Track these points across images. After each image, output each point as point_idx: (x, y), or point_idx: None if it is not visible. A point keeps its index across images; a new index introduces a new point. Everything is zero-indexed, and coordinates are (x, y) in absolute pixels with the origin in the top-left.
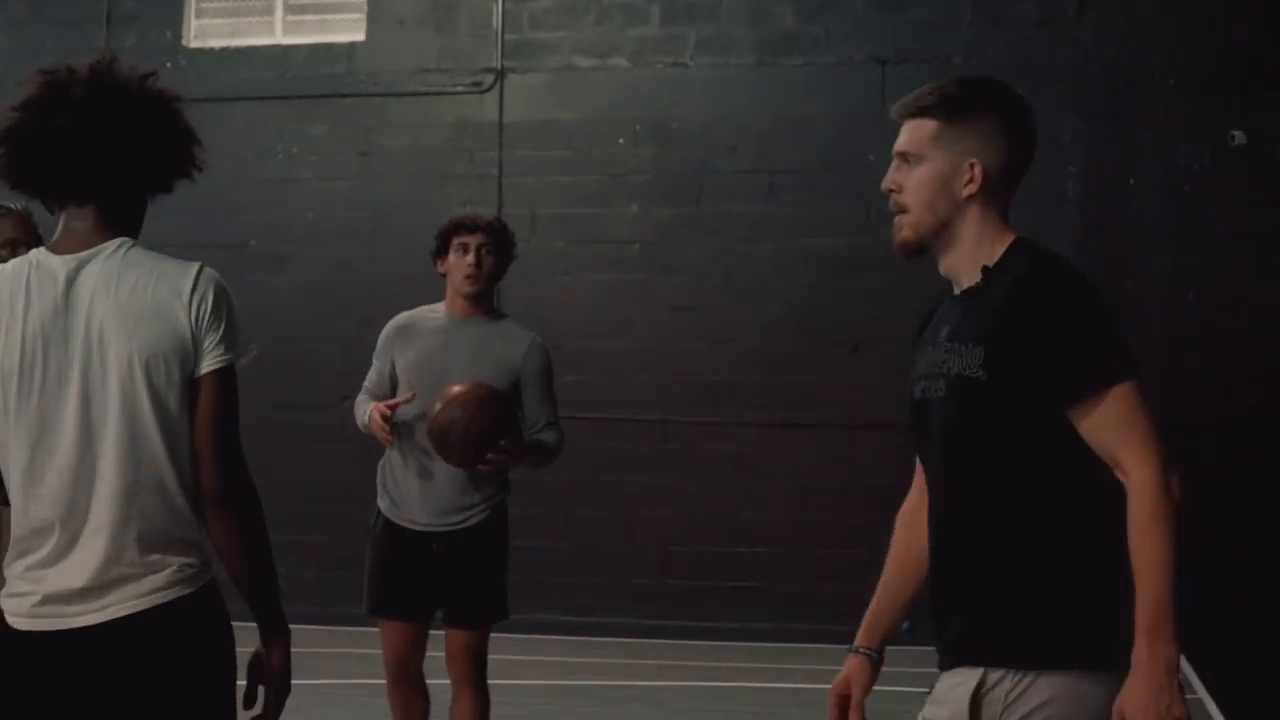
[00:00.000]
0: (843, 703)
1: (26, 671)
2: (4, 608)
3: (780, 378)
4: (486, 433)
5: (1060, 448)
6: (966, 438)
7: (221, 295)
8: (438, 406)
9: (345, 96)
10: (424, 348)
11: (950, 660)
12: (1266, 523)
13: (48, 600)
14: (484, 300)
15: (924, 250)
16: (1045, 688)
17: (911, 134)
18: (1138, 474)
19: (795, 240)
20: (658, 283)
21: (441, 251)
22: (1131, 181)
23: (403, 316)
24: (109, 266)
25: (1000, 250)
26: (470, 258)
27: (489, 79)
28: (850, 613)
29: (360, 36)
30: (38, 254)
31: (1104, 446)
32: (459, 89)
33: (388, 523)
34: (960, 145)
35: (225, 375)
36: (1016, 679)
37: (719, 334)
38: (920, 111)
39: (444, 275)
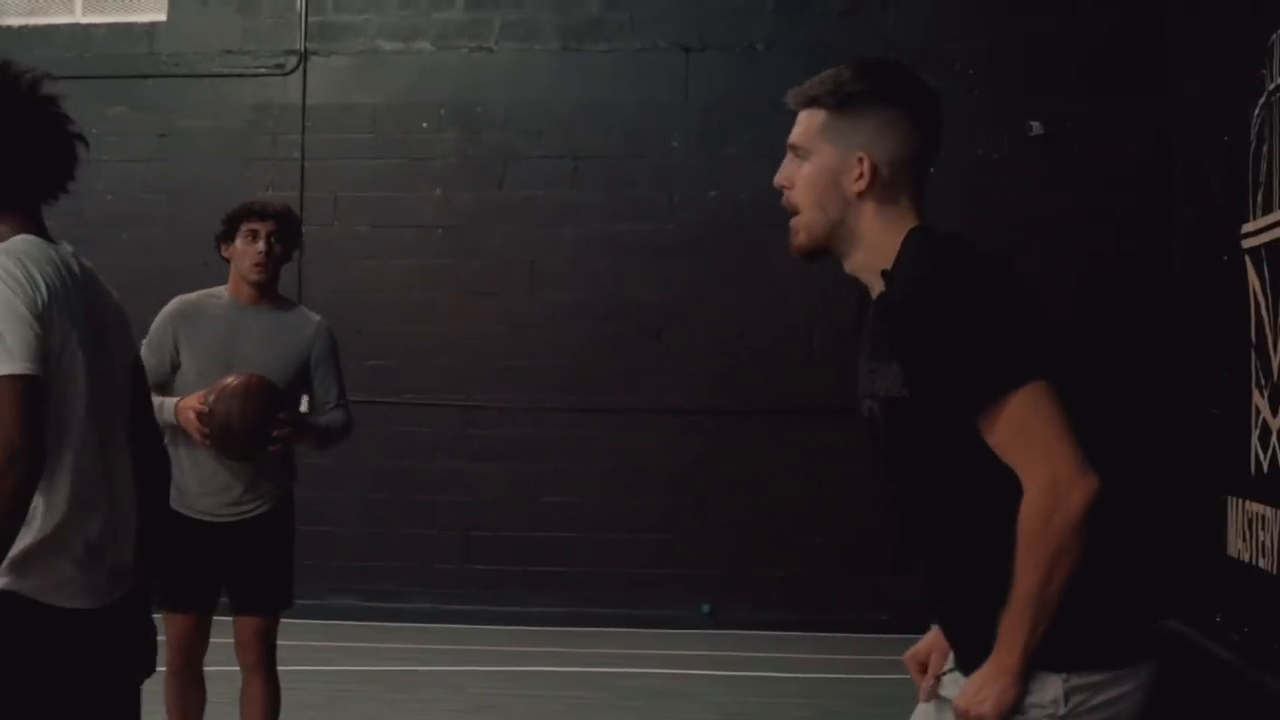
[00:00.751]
0: (921, 668)
1: (99, 644)
2: (76, 589)
3: (583, 362)
4: (265, 418)
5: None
6: (910, 456)
7: None
8: (211, 398)
9: (146, 77)
10: (210, 337)
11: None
12: None
13: (115, 573)
14: (270, 287)
15: (822, 254)
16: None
17: (802, 125)
18: (1027, 491)
19: (599, 225)
20: (461, 267)
21: (228, 236)
22: (932, 170)
23: (182, 301)
24: (85, 264)
25: (897, 247)
26: (260, 245)
27: (292, 61)
28: (651, 596)
29: (161, 16)
30: (32, 239)
31: (1005, 458)
32: (261, 71)
33: (172, 513)
34: (850, 138)
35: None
36: None
37: (522, 319)
38: (811, 101)
39: (228, 260)
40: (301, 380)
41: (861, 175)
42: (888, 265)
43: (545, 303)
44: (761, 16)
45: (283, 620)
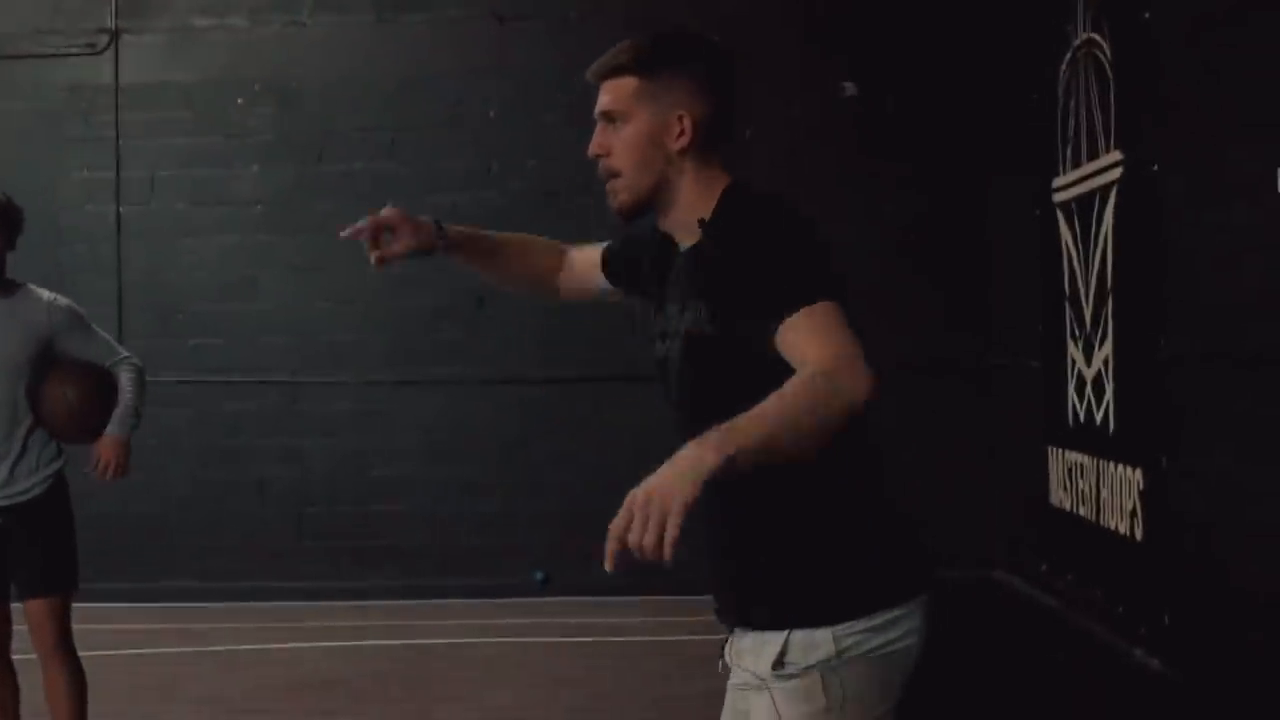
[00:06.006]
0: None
1: None
2: None
3: (407, 335)
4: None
5: None
6: (704, 393)
7: None
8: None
9: None
10: None
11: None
12: None
13: None
14: None
15: (644, 211)
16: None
17: (613, 93)
18: (811, 364)
19: (420, 197)
20: (282, 243)
21: None
22: (749, 134)
23: None
24: None
25: (714, 201)
26: None
27: (103, 40)
28: (484, 566)
29: None
30: None
31: (795, 354)
32: (73, 50)
33: None
34: (666, 99)
35: None
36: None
37: (345, 293)
38: (618, 70)
39: None
40: (44, 359)
41: (683, 133)
42: (704, 216)
43: (368, 276)
44: None
45: (115, 605)
